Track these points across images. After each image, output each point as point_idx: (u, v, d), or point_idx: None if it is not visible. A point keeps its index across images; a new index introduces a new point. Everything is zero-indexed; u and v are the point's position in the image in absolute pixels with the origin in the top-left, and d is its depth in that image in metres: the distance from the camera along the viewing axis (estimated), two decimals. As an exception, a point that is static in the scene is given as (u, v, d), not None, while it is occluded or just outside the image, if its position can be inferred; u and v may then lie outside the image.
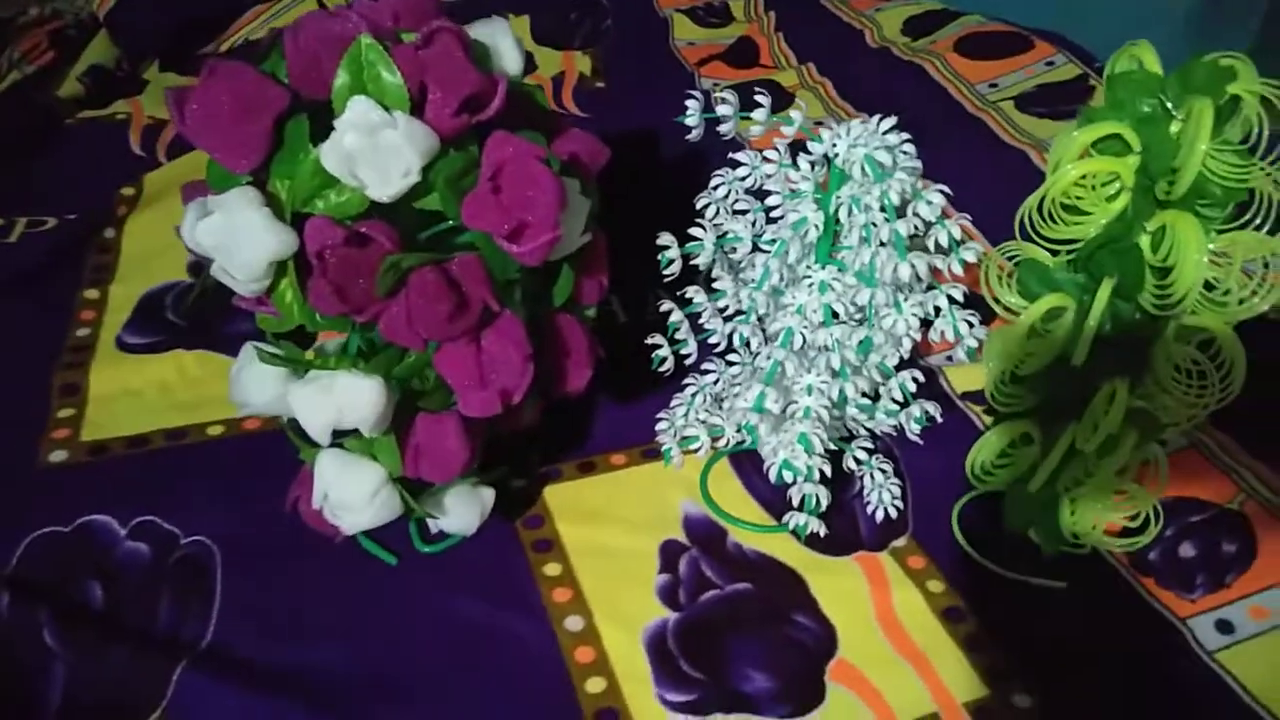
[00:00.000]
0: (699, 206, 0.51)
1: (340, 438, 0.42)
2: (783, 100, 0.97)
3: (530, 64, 1.03)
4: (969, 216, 0.48)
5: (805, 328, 0.47)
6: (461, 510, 0.48)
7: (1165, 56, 0.44)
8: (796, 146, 0.49)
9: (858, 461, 0.55)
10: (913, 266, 0.44)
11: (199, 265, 0.72)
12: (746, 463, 0.59)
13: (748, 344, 0.50)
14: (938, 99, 0.98)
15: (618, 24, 1.11)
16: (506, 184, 0.37)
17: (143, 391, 0.63)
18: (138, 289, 0.71)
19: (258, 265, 0.37)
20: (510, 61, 0.41)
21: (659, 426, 0.57)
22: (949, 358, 0.66)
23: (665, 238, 0.48)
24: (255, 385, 0.43)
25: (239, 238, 0.37)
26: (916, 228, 0.44)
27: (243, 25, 1.07)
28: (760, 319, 0.50)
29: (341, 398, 0.39)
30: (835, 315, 0.47)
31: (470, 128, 0.38)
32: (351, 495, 0.42)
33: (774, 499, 0.56)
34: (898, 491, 0.55)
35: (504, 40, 0.41)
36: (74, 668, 0.46)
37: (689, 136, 0.47)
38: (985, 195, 0.82)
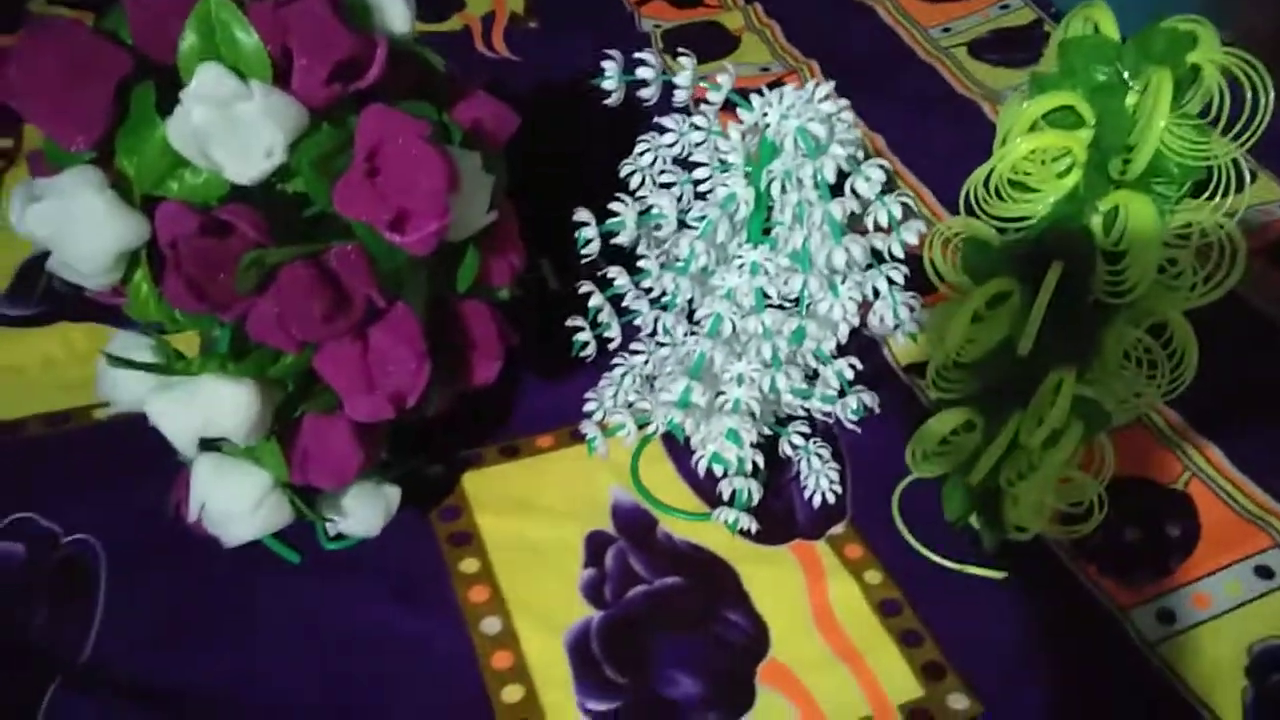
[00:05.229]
0: (623, 175, 0.46)
1: (216, 442, 0.38)
2: (727, 45, 0.92)
3: (458, 1, 0.96)
4: (885, 165, 0.43)
5: (735, 313, 0.43)
6: (363, 511, 0.44)
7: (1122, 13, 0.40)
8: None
9: (793, 446, 0.52)
10: (848, 251, 0.40)
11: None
12: (680, 444, 0.56)
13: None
14: (889, 43, 0.94)
15: (553, -42, 1.04)
16: (385, 166, 0.32)
17: (24, 369, 0.58)
18: (18, 255, 0.65)
19: (102, 257, 0.33)
20: (396, 18, 0.36)
21: (586, 408, 0.53)
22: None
23: (582, 214, 0.44)
24: (120, 385, 0.38)
25: (78, 226, 0.32)
26: (854, 209, 0.40)
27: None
28: (688, 302, 0.46)
29: (207, 405, 0.34)
30: (767, 297, 0.44)
31: (346, 98, 0.33)
32: (232, 505, 0.38)
33: (708, 484, 0.53)
34: (836, 476, 0.52)
35: (389, -8, 0.36)
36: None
37: (608, 101, 0.42)
38: (937, 148, 0.80)
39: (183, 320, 0.35)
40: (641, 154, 0.46)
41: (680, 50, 0.42)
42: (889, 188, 0.42)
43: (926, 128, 0.82)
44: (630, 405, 0.51)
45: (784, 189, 0.42)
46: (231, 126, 0.31)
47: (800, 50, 0.91)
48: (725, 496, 0.47)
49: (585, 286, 0.46)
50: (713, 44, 0.92)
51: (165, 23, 0.32)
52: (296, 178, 0.34)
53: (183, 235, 0.32)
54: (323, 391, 0.38)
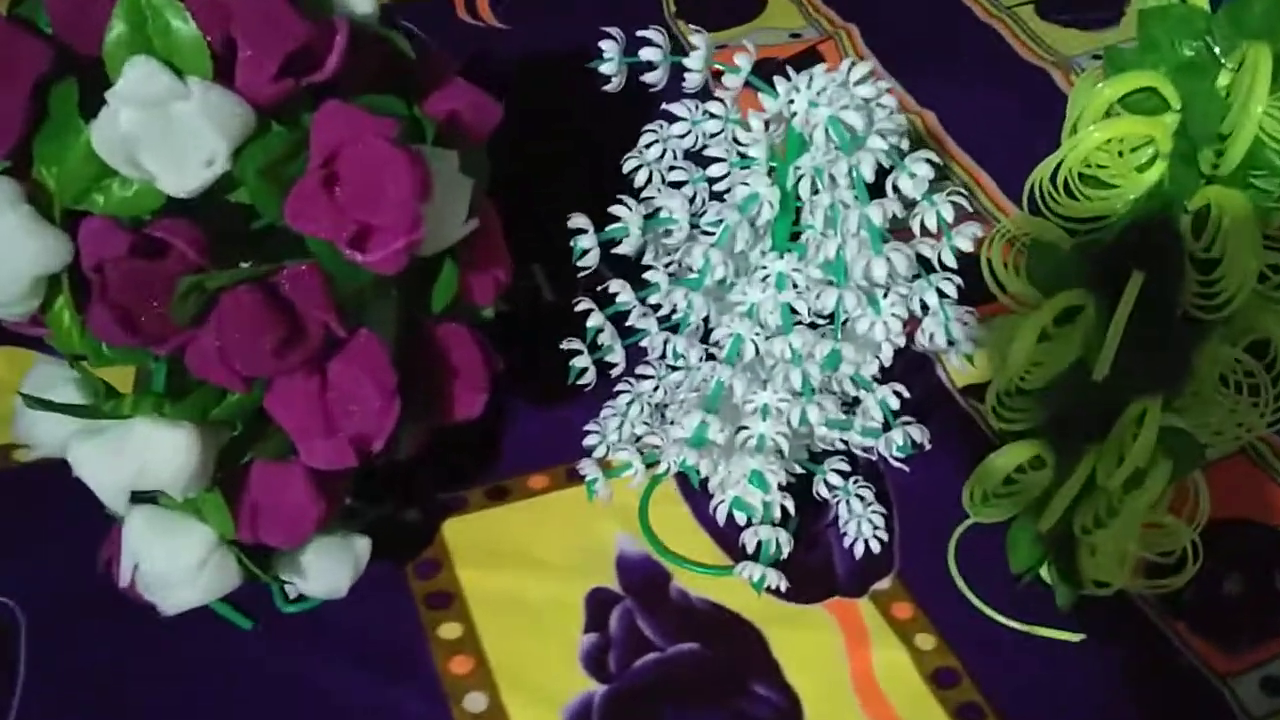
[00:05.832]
0: (626, 170, 0.46)
1: (151, 494, 0.38)
2: (752, 8, 0.93)
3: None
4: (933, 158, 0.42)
5: (758, 334, 0.43)
6: (326, 569, 0.44)
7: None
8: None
9: (830, 486, 0.52)
10: (889, 261, 0.40)
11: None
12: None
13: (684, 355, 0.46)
14: (941, 2, 0.94)
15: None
16: (345, 172, 0.33)
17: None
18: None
19: (16, 283, 0.33)
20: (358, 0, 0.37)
21: (586, 443, 0.53)
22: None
23: (578, 219, 0.44)
24: (41, 426, 0.38)
25: (-11, 247, 0.33)
26: (896, 211, 0.40)
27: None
28: (704, 320, 0.46)
29: (140, 452, 0.35)
30: (796, 314, 0.44)
31: (299, 94, 0.34)
32: (170, 567, 0.38)
33: (732, 530, 0.53)
34: (880, 521, 0.52)
35: (349, -30, 0.36)
36: None
37: (607, 87, 0.42)
38: (998, 127, 0.80)
39: (111, 354, 0.36)
40: (647, 147, 0.46)
41: (694, 27, 0.42)
42: (939, 181, 0.42)
43: (986, 102, 0.82)
44: (638, 440, 0.51)
45: (814, 188, 0.42)
46: (166, 130, 0.31)
47: (837, 12, 0.91)
48: (749, 550, 0.47)
49: (583, 303, 0.46)
50: (735, 6, 0.92)
51: (89, 9, 0.33)
52: (242, 188, 0.34)
53: (110, 257, 0.32)
54: (274, 434, 0.38)
